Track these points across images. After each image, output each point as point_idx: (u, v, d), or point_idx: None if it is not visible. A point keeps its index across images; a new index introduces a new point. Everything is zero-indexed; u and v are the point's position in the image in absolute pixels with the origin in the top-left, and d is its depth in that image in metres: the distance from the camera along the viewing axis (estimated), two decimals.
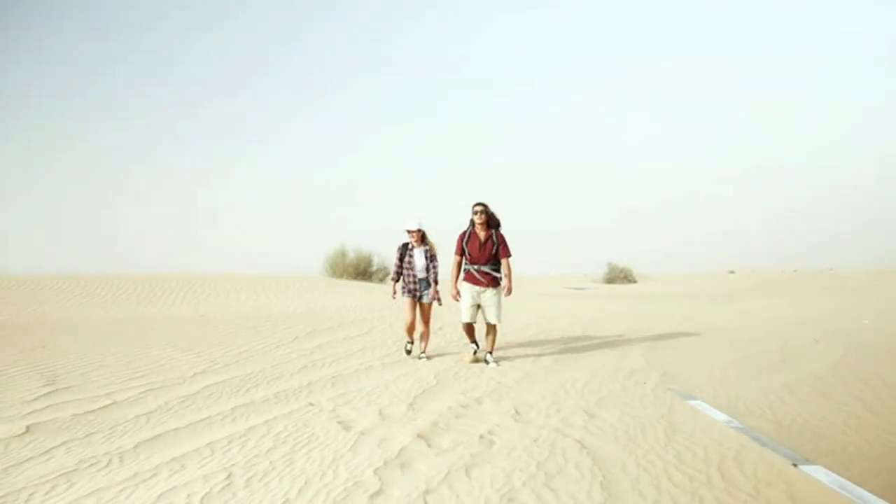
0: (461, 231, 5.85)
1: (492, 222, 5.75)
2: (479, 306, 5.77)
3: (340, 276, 24.99)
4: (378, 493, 2.75)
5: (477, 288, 5.72)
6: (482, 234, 5.72)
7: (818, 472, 2.74)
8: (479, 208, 5.71)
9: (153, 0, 39.00)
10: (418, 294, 6.11)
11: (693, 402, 4.23)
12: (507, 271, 5.76)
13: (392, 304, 6.34)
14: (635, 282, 36.06)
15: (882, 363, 5.61)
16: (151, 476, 3.00)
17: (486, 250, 5.68)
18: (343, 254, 26.25)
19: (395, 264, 6.16)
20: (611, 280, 36.72)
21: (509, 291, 5.77)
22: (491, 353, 5.92)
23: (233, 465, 3.15)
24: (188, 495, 2.74)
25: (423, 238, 6.09)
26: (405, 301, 6.14)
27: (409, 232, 6.08)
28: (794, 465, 2.82)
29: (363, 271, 25.75)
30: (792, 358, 6.05)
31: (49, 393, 4.75)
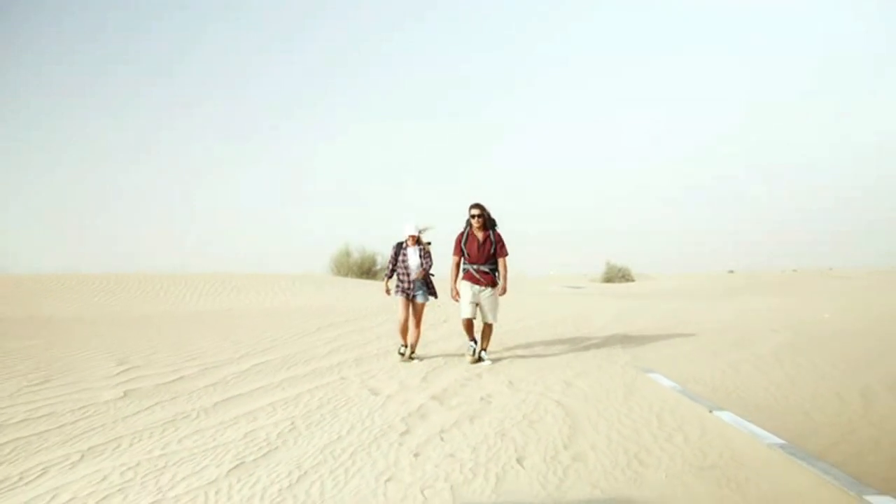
0: (459, 232, 5.97)
1: (488, 223, 5.87)
2: (477, 304, 5.93)
3: (345, 275, 26.03)
4: (406, 432, 3.76)
5: (476, 287, 5.88)
6: (480, 235, 5.85)
7: (725, 415, 3.76)
8: (475, 211, 5.82)
9: (152, 0, 39.89)
10: (411, 293, 6.16)
11: (651, 375, 5.25)
12: (503, 271, 5.91)
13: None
14: (633, 281, 37.02)
15: (818, 348, 6.62)
16: (233, 423, 4.02)
17: (484, 250, 5.82)
18: (347, 253, 27.34)
19: (390, 261, 6.27)
20: (609, 279, 37.57)
21: (503, 291, 5.93)
22: (485, 350, 6.09)
23: (293, 416, 4.17)
24: (266, 434, 3.75)
25: (417, 239, 6.20)
26: (398, 300, 6.23)
27: (409, 237, 6.18)
28: (710, 411, 3.84)
29: (367, 270, 26.80)
30: (745, 344, 7.07)
31: (126, 370, 5.77)
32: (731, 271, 42.74)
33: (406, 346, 6.19)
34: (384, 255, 26.19)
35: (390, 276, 6.38)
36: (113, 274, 19.84)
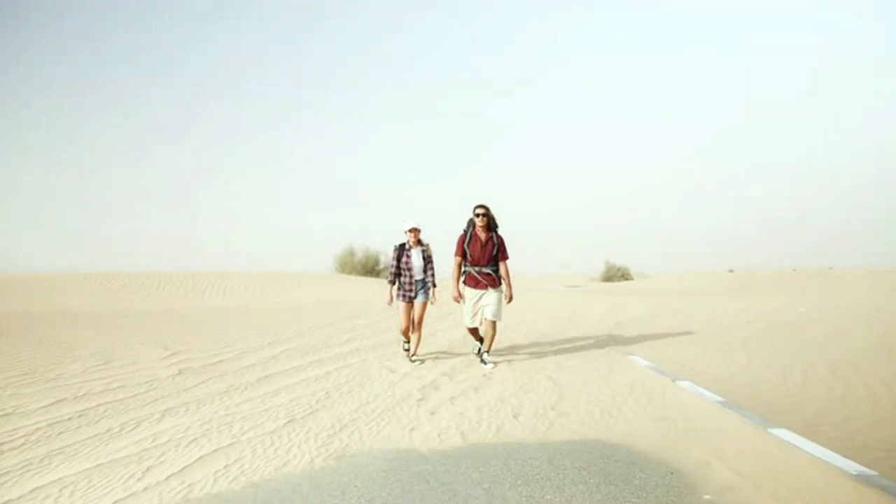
0: (461, 233, 5.91)
1: (492, 224, 5.84)
2: (480, 308, 5.83)
3: (349, 273, 26.93)
4: (422, 399, 4.56)
5: (478, 291, 5.82)
6: (483, 236, 5.80)
7: (684, 384, 4.57)
8: (480, 211, 5.77)
9: (153, 0, 40.66)
10: (414, 296, 6.03)
11: (631, 357, 6.05)
12: (506, 276, 5.85)
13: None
14: (632, 280, 37.78)
15: (782, 336, 7.43)
16: (277, 394, 4.82)
17: (486, 252, 5.79)
18: (352, 253, 28.28)
19: (392, 266, 6.06)
20: (608, 279, 38.31)
21: (510, 299, 5.83)
22: (488, 352, 5.91)
23: (326, 389, 4.97)
24: (307, 400, 4.56)
25: (418, 239, 6.07)
26: (400, 305, 6.07)
27: (411, 231, 6.04)
28: (673, 381, 4.65)
29: (371, 269, 27.70)
30: (719, 334, 7.87)
31: (171, 354, 6.58)
32: (731, 271, 43.44)
33: (409, 342, 6.14)
34: (387, 254, 27.04)
35: (393, 282, 6.10)
36: (127, 273, 20.66)
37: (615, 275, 38.29)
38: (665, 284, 30.20)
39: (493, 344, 6.03)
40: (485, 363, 5.79)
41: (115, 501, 2.67)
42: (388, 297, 6.14)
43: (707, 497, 2.52)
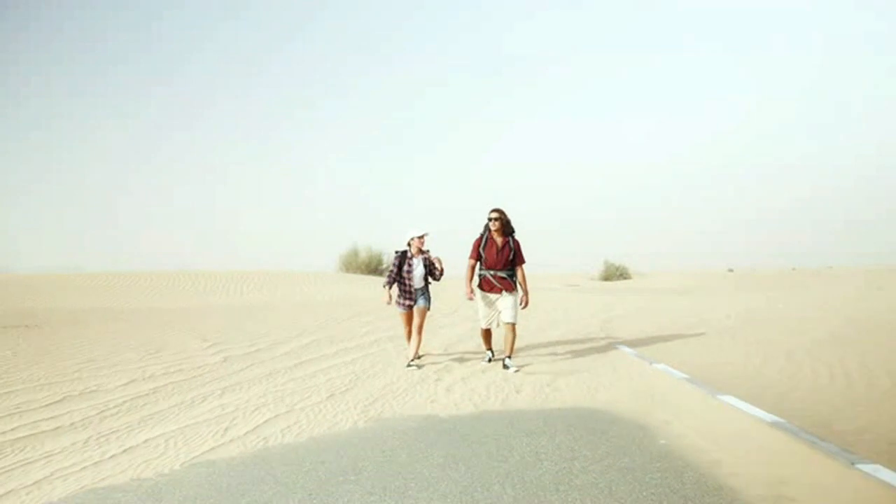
0: (477, 237, 5.91)
1: (507, 229, 5.82)
2: (495, 311, 5.85)
3: (353, 272, 27.83)
4: (438, 379, 5.38)
5: (492, 294, 5.85)
6: (499, 241, 5.80)
7: (660, 366, 5.40)
8: (495, 215, 5.79)
9: (154, 0, 41.39)
10: (413, 302, 6.04)
11: (620, 347, 6.88)
12: (522, 280, 5.85)
13: None
14: (630, 279, 38.52)
15: (753, 329, 8.26)
16: (314, 376, 5.64)
17: (503, 256, 5.77)
18: (355, 253, 29.23)
19: (392, 271, 6.02)
20: (607, 278, 39.04)
21: (526, 303, 5.84)
22: (510, 356, 5.83)
23: (355, 372, 5.79)
24: (341, 381, 5.38)
25: (420, 248, 6.03)
26: (402, 313, 6.17)
27: (417, 239, 6.03)
28: (651, 364, 5.47)
29: (374, 269, 28.63)
30: (700, 327, 8.71)
31: (212, 345, 7.40)
32: (731, 270, 44.13)
33: (416, 363, 6.08)
34: (390, 254, 27.91)
35: (390, 286, 6.06)
36: (132, 273, 21.47)
37: (614, 274, 38.98)
38: (662, 284, 30.96)
39: (514, 349, 6.00)
40: (507, 367, 5.73)
41: (212, 447, 3.50)
42: (385, 298, 6.13)
43: (662, 441, 3.34)
